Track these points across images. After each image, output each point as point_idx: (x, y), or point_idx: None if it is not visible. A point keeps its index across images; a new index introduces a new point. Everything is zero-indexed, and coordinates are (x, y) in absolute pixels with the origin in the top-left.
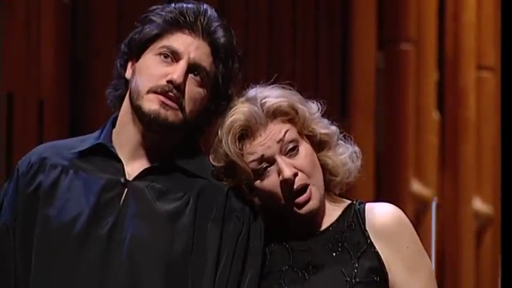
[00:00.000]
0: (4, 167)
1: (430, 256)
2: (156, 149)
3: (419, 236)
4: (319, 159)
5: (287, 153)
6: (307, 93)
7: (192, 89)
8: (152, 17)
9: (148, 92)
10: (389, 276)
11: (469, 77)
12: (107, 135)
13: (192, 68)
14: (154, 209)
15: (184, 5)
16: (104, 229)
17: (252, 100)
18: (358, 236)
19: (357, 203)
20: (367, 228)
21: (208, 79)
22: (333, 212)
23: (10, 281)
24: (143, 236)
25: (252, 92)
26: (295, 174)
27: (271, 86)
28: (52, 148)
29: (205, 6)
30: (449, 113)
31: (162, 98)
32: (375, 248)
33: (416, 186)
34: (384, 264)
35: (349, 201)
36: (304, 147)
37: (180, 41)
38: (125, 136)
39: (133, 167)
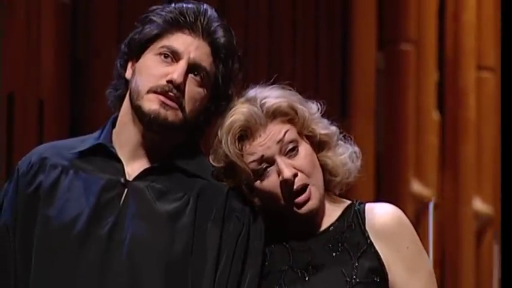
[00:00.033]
0: (4, 167)
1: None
2: (156, 149)
3: (419, 236)
4: (319, 160)
5: (287, 154)
6: (307, 93)
7: (192, 89)
8: (152, 17)
9: (148, 91)
10: (389, 276)
11: (469, 77)
12: (107, 135)
13: (192, 68)
14: (154, 209)
15: (185, 5)
16: (104, 229)
17: (251, 100)
18: (358, 236)
19: (357, 203)
20: (367, 229)
21: (208, 79)
22: (332, 213)
23: (10, 281)
24: (143, 236)
25: (251, 92)
26: (295, 175)
27: (271, 86)
28: (52, 148)
29: (205, 6)
30: (450, 113)
31: (162, 97)
32: (374, 248)
33: (417, 187)
34: (383, 265)
35: (349, 202)
36: (304, 148)
37: (180, 41)
38: (125, 136)
39: (134, 167)
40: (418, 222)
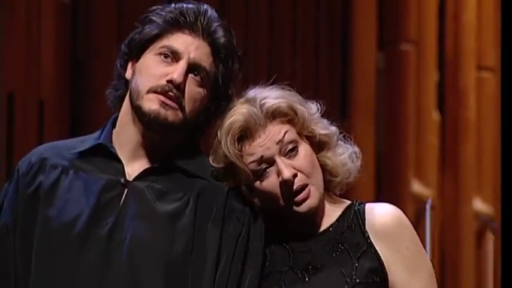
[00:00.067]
0: (4, 167)
1: None
2: (156, 149)
3: (419, 236)
4: (318, 160)
5: (286, 154)
6: (308, 93)
7: (192, 89)
8: (152, 17)
9: (148, 91)
10: (389, 276)
11: (469, 77)
12: (107, 135)
13: (192, 68)
14: (154, 210)
15: (185, 5)
16: (104, 229)
17: (251, 101)
18: (358, 237)
19: (357, 204)
20: (367, 229)
21: (208, 79)
22: (332, 213)
23: (10, 281)
24: (143, 236)
25: (251, 92)
26: (295, 175)
27: (271, 86)
28: (52, 148)
29: (205, 6)
30: (450, 114)
31: (162, 97)
32: (374, 248)
33: (417, 187)
34: (383, 265)
35: (349, 202)
36: (304, 148)
37: (180, 41)
38: (125, 136)
39: (134, 168)
40: (418, 222)
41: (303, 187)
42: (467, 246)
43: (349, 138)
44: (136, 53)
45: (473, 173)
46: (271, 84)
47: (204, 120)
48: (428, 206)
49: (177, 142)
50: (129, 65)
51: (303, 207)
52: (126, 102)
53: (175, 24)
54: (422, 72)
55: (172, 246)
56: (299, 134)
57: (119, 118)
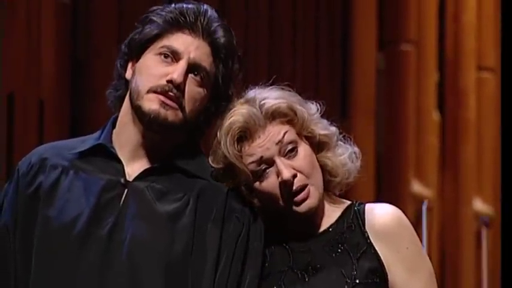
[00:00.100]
0: (4, 167)
1: None
2: (156, 149)
3: (419, 236)
4: (318, 160)
5: (286, 155)
6: (308, 94)
7: (192, 89)
8: (152, 17)
9: (148, 91)
10: (389, 277)
11: (469, 77)
12: (107, 135)
13: (192, 67)
14: (154, 210)
15: (185, 5)
16: (104, 230)
17: (250, 101)
18: (357, 237)
19: (357, 204)
20: (366, 229)
21: (208, 79)
22: (332, 213)
23: (10, 281)
24: (143, 236)
25: (250, 93)
26: (294, 176)
27: (270, 87)
28: (52, 149)
29: (205, 6)
30: (450, 114)
31: (162, 97)
32: (374, 248)
33: (417, 187)
34: (383, 265)
35: (348, 202)
36: (303, 148)
37: (180, 41)
38: (125, 136)
39: (134, 168)
40: (418, 222)
41: (303, 187)
42: (467, 246)
43: (349, 139)
44: (136, 53)
45: (473, 173)
46: (271, 84)
47: (204, 120)
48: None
49: (177, 142)
50: (129, 65)
51: (303, 208)
52: (126, 103)
53: (176, 24)
54: (422, 73)
55: (172, 247)
56: (299, 134)
57: (119, 118)
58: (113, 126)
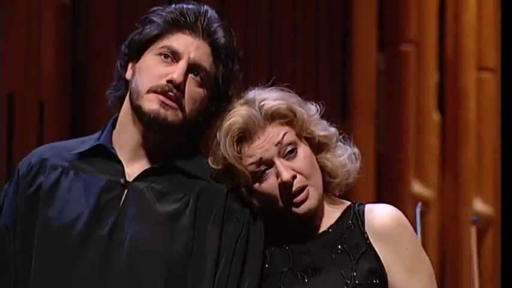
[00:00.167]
0: (4, 167)
1: None
2: (156, 150)
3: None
4: (318, 161)
5: (285, 156)
6: (308, 94)
7: (192, 89)
8: (152, 18)
9: (148, 91)
10: (388, 277)
11: (469, 78)
12: (107, 136)
13: (192, 68)
14: (154, 210)
15: (185, 6)
16: (104, 230)
17: (250, 103)
18: (357, 238)
19: (356, 205)
20: (366, 230)
21: (208, 79)
22: (332, 214)
23: (10, 282)
24: (143, 237)
25: (250, 94)
26: (294, 177)
27: (270, 88)
28: (52, 149)
29: (205, 7)
30: (450, 114)
31: (162, 97)
32: (374, 249)
33: (417, 188)
34: (383, 266)
35: (348, 203)
36: (303, 150)
37: (180, 41)
38: (125, 137)
39: (134, 168)
40: None
41: (302, 188)
42: (467, 246)
43: (348, 139)
44: (136, 53)
45: (473, 174)
46: (271, 85)
47: (204, 120)
48: (418, 210)
49: (177, 143)
50: (129, 65)
51: (302, 209)
52: (126, 103)
53: (176, 25)
54: (422, 73)
55: (172, 247)
56: (298, 135)
57: (119, 119)
58: (113, 126)
